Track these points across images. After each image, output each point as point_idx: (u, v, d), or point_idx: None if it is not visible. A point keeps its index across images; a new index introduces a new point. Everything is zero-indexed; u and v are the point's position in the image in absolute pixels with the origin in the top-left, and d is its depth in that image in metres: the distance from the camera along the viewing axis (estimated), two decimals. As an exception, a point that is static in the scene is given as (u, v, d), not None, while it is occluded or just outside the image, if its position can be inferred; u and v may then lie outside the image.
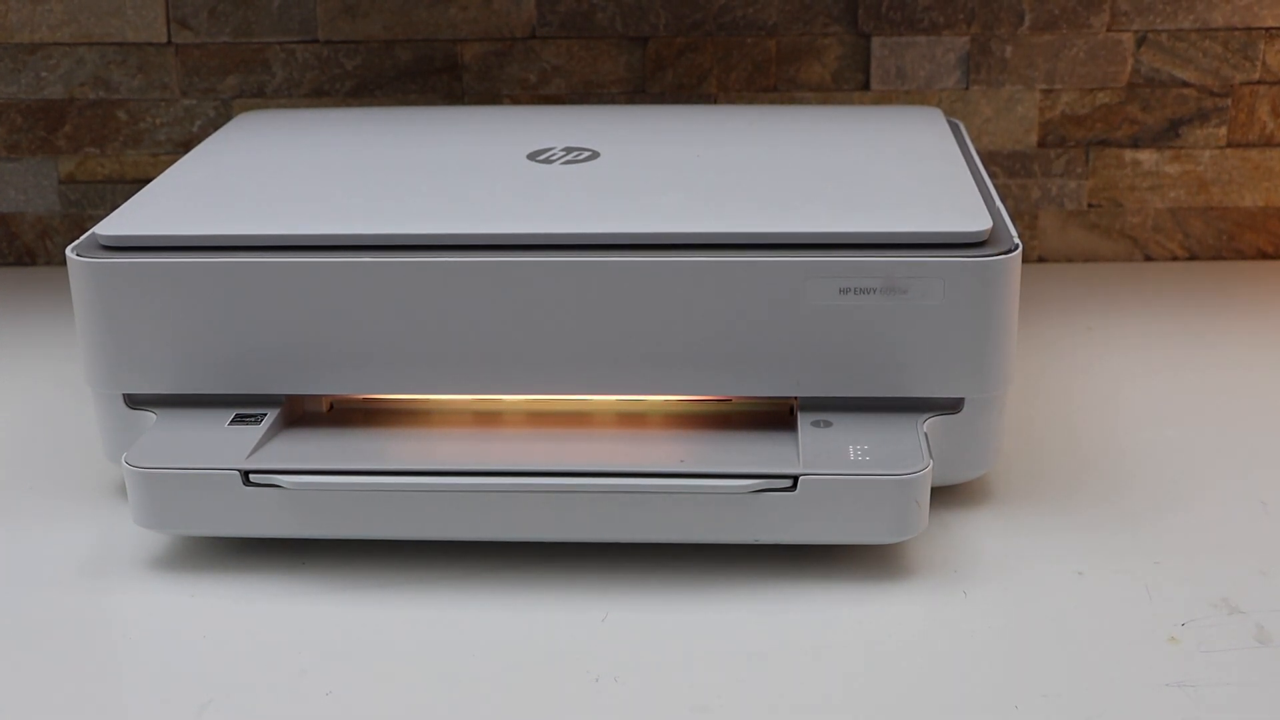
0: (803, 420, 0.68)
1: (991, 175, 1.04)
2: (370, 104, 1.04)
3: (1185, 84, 1.02)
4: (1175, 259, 1.07)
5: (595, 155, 0.78)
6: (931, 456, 0.65)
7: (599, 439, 0.69)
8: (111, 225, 0.70)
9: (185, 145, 1.05)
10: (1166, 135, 1.03)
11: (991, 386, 0.69)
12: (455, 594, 0.65)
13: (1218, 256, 1.06)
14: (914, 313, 0.67)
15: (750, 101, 1.03)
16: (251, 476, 0.65)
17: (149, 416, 0.70)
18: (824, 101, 1.03)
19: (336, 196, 0.73)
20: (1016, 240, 0.68)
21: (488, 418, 0.72)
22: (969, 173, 0.75)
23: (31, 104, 1.04)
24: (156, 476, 0.66)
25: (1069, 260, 1.06)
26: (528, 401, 0.72)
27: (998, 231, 0.68)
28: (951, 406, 0.69)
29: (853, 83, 1.03)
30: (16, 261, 1.09)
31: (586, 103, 1.03)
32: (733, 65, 1.02)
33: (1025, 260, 0.69)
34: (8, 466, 0.78)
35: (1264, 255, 1.06)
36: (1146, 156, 1.04)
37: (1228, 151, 1.04)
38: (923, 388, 0.68)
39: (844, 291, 0.67)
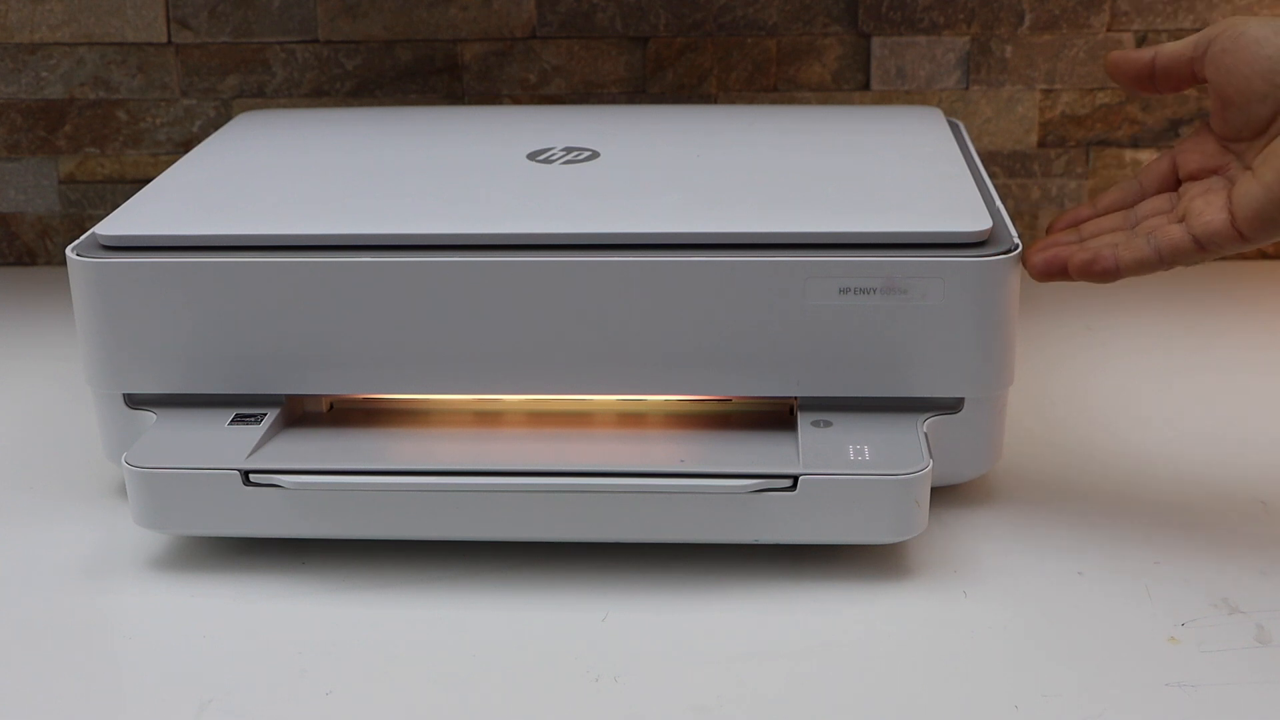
0: (803, 420, 0.68)
1: (991, 175, 1.04)
2: (370, 104, 1.04)
3: (1185, 84, 1.02)
4: (1175, 259, 1.07)
5: (595, 155, 0.78)
6: (931, 456, 0.65)
7: (599, 439, 0.69)
8: (111, 225, 0.70)
9: (185, 145, 1.05)
10: (1167, 135, 1.03)
11: (991, 386, 0.69)
12: (455, 594, 0.65)
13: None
14: (914, 313, 0.67)
15: (750, 101, 1.03)
16: (251, 476, 0.65)
17: (149, 416, 0.70)
18: (824, 101, 1.03)
19: (336, 196, 0.73)
20: (1016, 240, 0.68)
21: (488, 418, 0.72)
22: (969, 173, 0.75)
23: (31, 104, 1.04)
24: (156, 476, 0.66)
25: (1069, 260, 1.06)
26: (528, 401, 0.72)
27: (998, 231, 0.68)
28: (951, 406, 0.69)
29: (853, 83, 1.03)
30: (16, 261, 1.09)
31: (586, 103, 1.03)
32: (733, 65, 1.02)
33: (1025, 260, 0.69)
34: (8, 466, 0.78)
35: (1264, 255, 1.06)
36: (1147, 157, 1.04)
37: (1228, 151, 1.04)
38: (923, 388, 0.68)
39: (844, 291, 0.67)
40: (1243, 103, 0.65)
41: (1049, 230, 0.72)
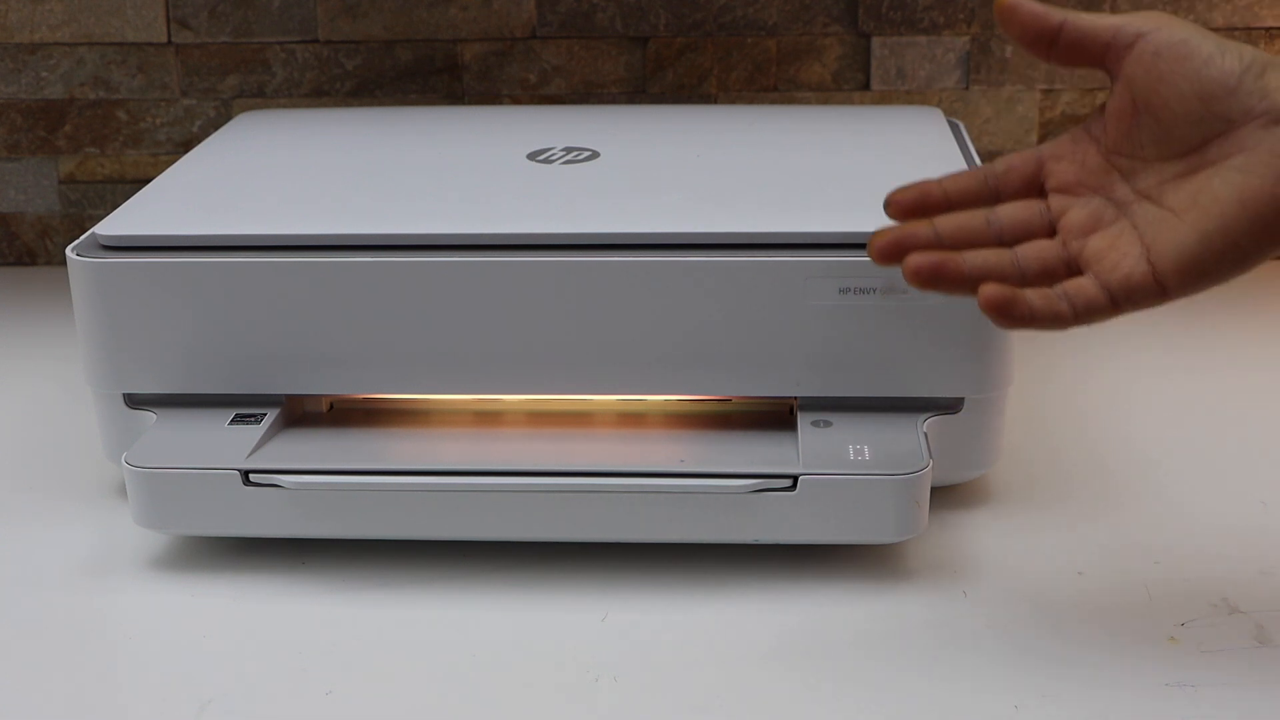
0: (802, 420, 0.68)
1: (991, 175, 1.04)
2: (370, 104, 1.04)
3: (1185, 84, 1.02)
4: (1175, 259, 1.06)
5: (595, 155, 0.78)
6: (931, 456, 0.65)
7: (599, 439, 0.69)
8: (111, 225, 0.70)
9: (185, 145, 1.05)
10: (1166, 135, 1.03)
11: (991, 386, 0.69)
12: (455, 594, 0.65)
13: (1218, 256, 1.06)
14: (914, 313, 0.67)
15: (750, 101, 1.03)
16: (251, 476, 0.65)
17: (149, 416, 0.70)
18: (824, 101, 1.03)
19: (336, 196, 0.73)
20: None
21: (488, 418, 0.72)
22: (969, 173, 0.75)
23: (31, 104, 1.04)
24: (156, 476, 0.66)
25: (1069, 260, 1.06)
26: (528, 401, 0.72)
27: (998, 231, 0.68)
28: (951, 406, 0.69)
29: (853, 83, 1.03)
30: (16, 261, 1.09)
31: (586, 103, 1.03)
32: (733, 65, 1.02)
33: (1025, 260, 0.68)
34: (8, 466, 0.78)
35: (1264, 255, 1.06)
36: (1146, 156, 1.04)
37: (1228, 151, 1.04)
38: (923, 388, 0.68)
39: (844, 291, 0.67)
40: (1168, 120, 0.55)
41: (893, 202, 0.59)
